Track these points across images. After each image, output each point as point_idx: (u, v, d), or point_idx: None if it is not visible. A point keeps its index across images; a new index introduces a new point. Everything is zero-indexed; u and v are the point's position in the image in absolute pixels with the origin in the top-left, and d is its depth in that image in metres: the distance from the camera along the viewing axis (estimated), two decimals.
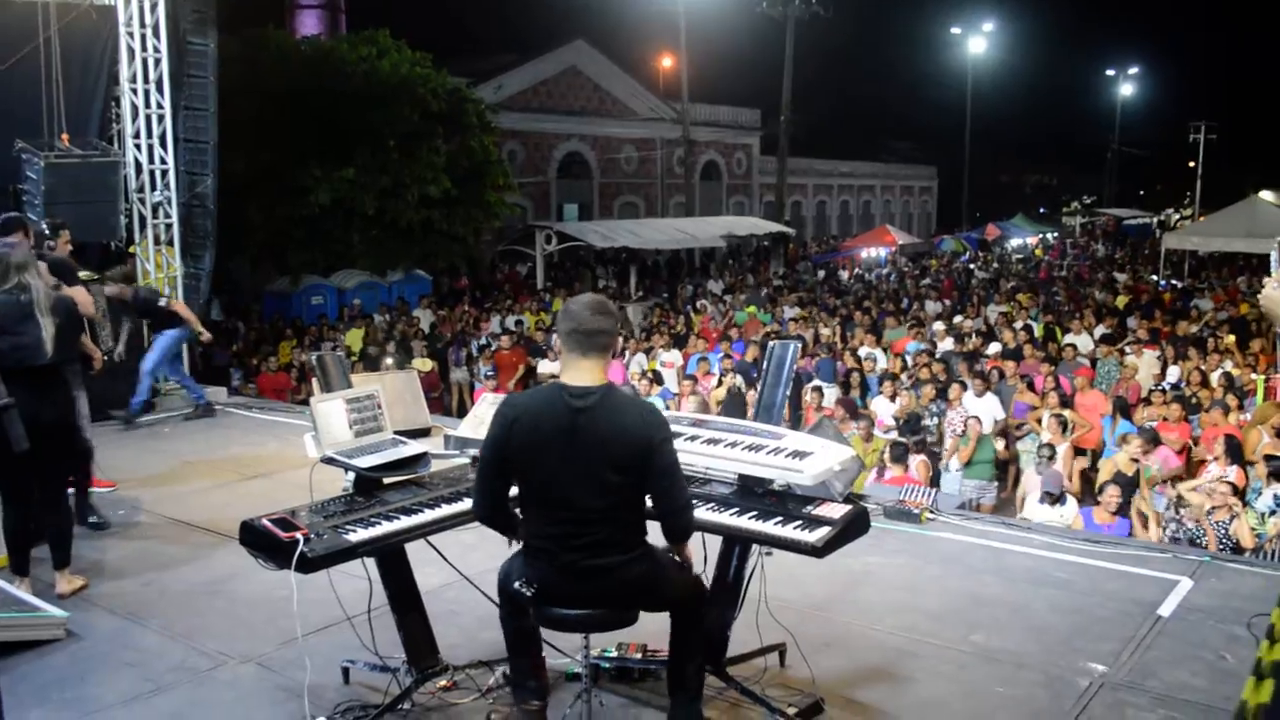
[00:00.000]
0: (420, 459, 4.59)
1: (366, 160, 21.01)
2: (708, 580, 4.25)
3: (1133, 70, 64.67)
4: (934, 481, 10.27)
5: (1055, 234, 50.02)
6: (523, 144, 35.30)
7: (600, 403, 3.45)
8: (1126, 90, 65.16)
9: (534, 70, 36.19)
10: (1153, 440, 9.84)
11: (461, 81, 24.71)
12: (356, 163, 20.78)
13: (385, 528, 4.08)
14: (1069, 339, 15.37)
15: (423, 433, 7.26)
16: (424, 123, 22.13)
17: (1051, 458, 9.86)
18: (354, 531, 3.99)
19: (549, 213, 35.80)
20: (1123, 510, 8.59)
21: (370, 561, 4.25)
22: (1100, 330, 15.92)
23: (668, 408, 11.38)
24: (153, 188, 11.80)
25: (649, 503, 3.58)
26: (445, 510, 4.28)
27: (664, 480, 3.48)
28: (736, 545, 4.39)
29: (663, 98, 40.93)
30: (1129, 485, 9.24)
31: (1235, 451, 9.36)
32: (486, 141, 24.01)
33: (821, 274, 32.32)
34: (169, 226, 11.94)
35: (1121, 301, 21.27)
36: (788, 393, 4.59)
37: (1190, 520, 8.10)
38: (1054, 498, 8.76)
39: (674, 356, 15.15)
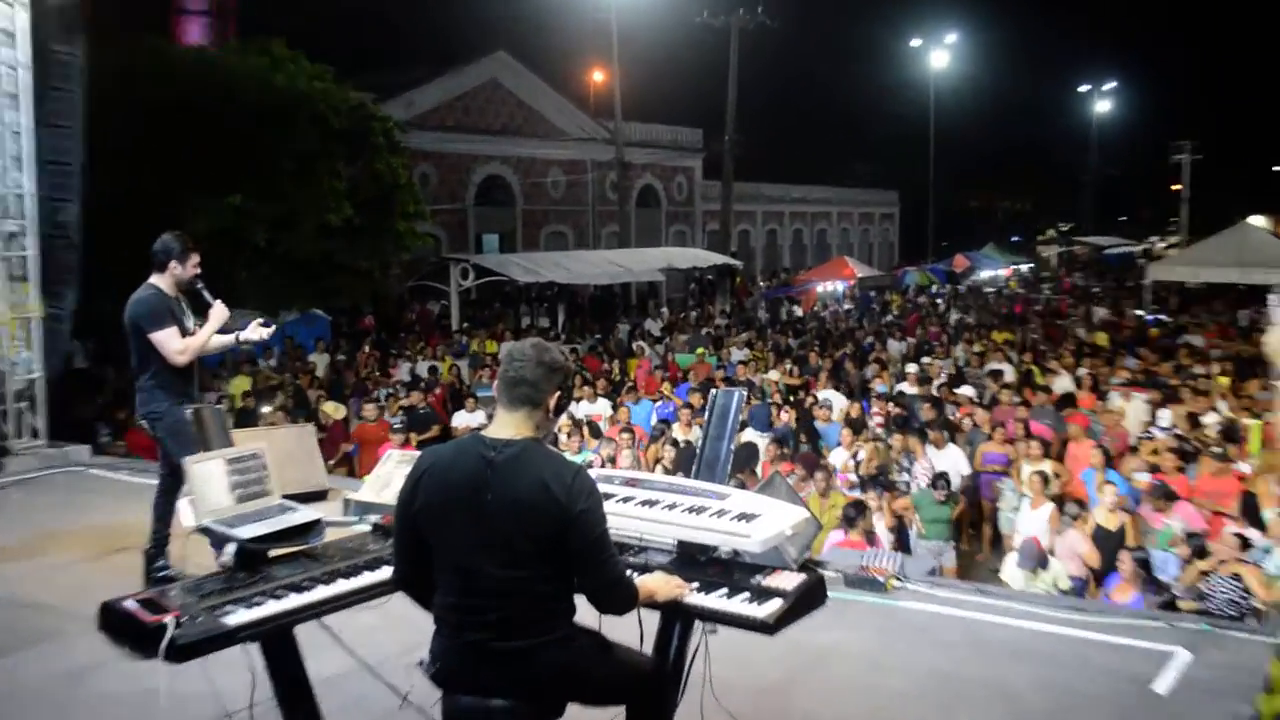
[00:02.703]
0: (313, 527, 4.51)
1: (257, 185, 20.81)
2: None
3: (1109, 85, 66.59)
4: (902, 544, 10.31)
5: (1030, 265, 50.97)
6: (436, 166, 35.27)
7: (516, 458, 3.39)
8: (1103, 107, 67.04)
9: (449, 84, 36.27)
10: (1166, 496, 9.89)
11: (367, 96, 24.64)
12: (245, 188, 20.57)
13: (271, 608, 3.98)
14: (1048, 381, 15.60)
15: (318, 496, 7.17)
16: (323, 143, 21.99)
17: (1077, 518, 9.90)
18: (234, 613, 3.88)
19: (466, 244, 35.74)
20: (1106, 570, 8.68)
21: (254, 648, 4.12)
22: (1082, 372, 16.17)
23: (601, 464, 11.34)
24: (5, 215, 11.54)
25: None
26: (342, 586, 4.18)
27: (588, 554, 3.42)
28: (676, 622, 4.31)
29: (594, 116, 41.26)
30: (1110, 543, 9.33)
31: (1252, 511, 9.46)
32: (395, 164, 23.90)
33: (768, 312, 32.59)
34: (24, 260, 11.68)
35: (1104, 339, 21.65)
36: (732, 446, 4.57)
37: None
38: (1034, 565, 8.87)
39: (601, 408, 15.12)
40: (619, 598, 3.57)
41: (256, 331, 7.49)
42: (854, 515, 9.54)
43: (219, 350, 7.51)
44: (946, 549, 10.85)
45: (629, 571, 4.13)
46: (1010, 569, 9.36)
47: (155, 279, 6.92)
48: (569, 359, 3.65)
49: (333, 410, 14.82)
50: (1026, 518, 10.39)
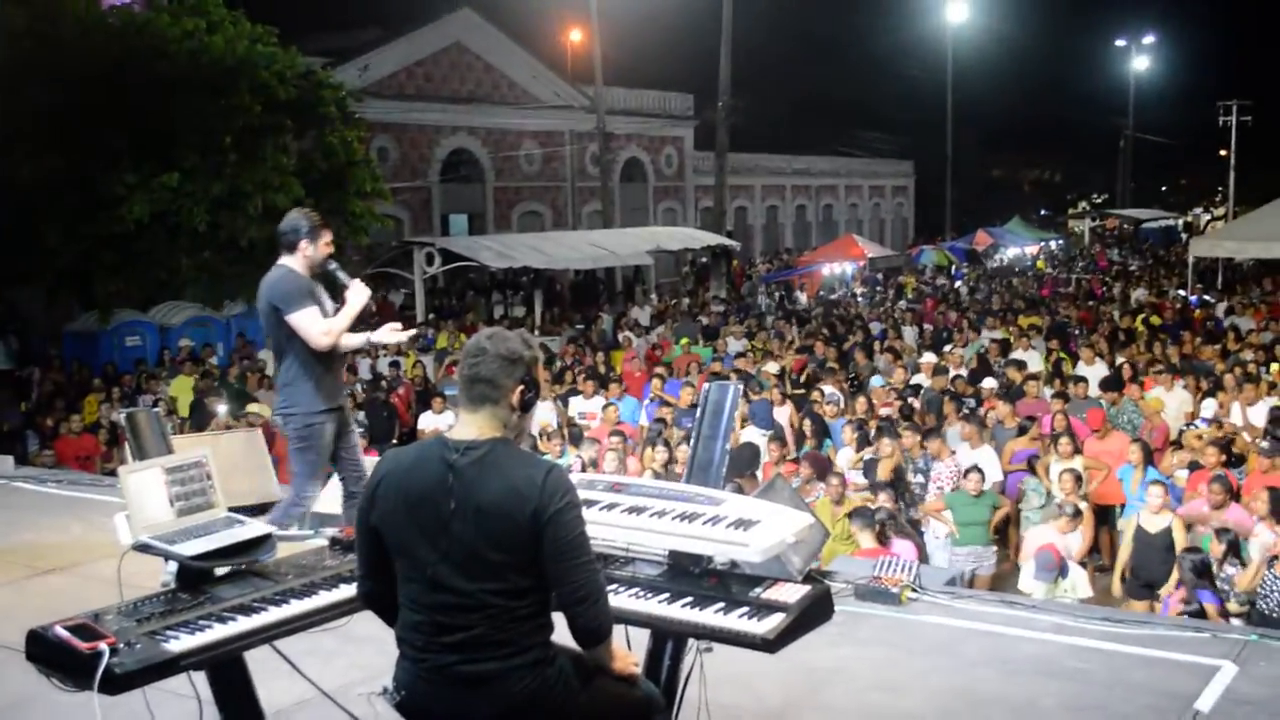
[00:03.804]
0: (263, 542, 4.53)
1: (196, 163, 20.78)
2: None
3: (1148, 39, 66.26)
4: (919, 551, 10.35)
5: (1060, 241, 51.07)
6: (396, 140, 35.23)
7: (483, 460, 3.43)
8: (1141, 64, 66.69)
9: (409, 47, 36.17)
10: (1228, 491, 9.86)
11: (317, 62, 24.65)
12: (183, 166, 20.54)
13: (217, 632, 3.99)
14: (1080, 371, 15.66)
15: (268, 507, 7.18)
16: (269, 114, 21.94)
17: (1076, 515, 9.99)
18: (176, 638, 3.90)
19: (430, 226, 35.70)
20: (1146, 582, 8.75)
21: (200, 676, 4.15)
22: (1121, 360, 16.20)
23: (583, 468, 11.37)
24: None
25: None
26: (296, 607, 4.21)
27: (563, 562, 3.42)
28: (668, 641, 4.37)
29: (572, 81, 41.16)
30: (1157, 551, 9.37)
31: None
32: (349, 137, 23.90)
33: (769, 298, 32.63)
34: None
35: (1141, 323, 21.72)
36: (728, 446, 4.61)
37: None
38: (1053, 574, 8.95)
39: (594, 406, 15.17)
40: (596, 615, 3.54)
41: (392, 334, 7.38)
42: (866, 520, 9.60)
43: (352, 349, 7.46)
44: (986, 554, 10.91)
45: (615, 587, 4.18)
46: (1027, 580, 9.42)
47: (285, 259, 6.81)
48: (533, 347, 3.66)
49: (261, 410, 14.71)
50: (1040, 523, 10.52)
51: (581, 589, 3.48)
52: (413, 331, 7.27)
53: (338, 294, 7.05)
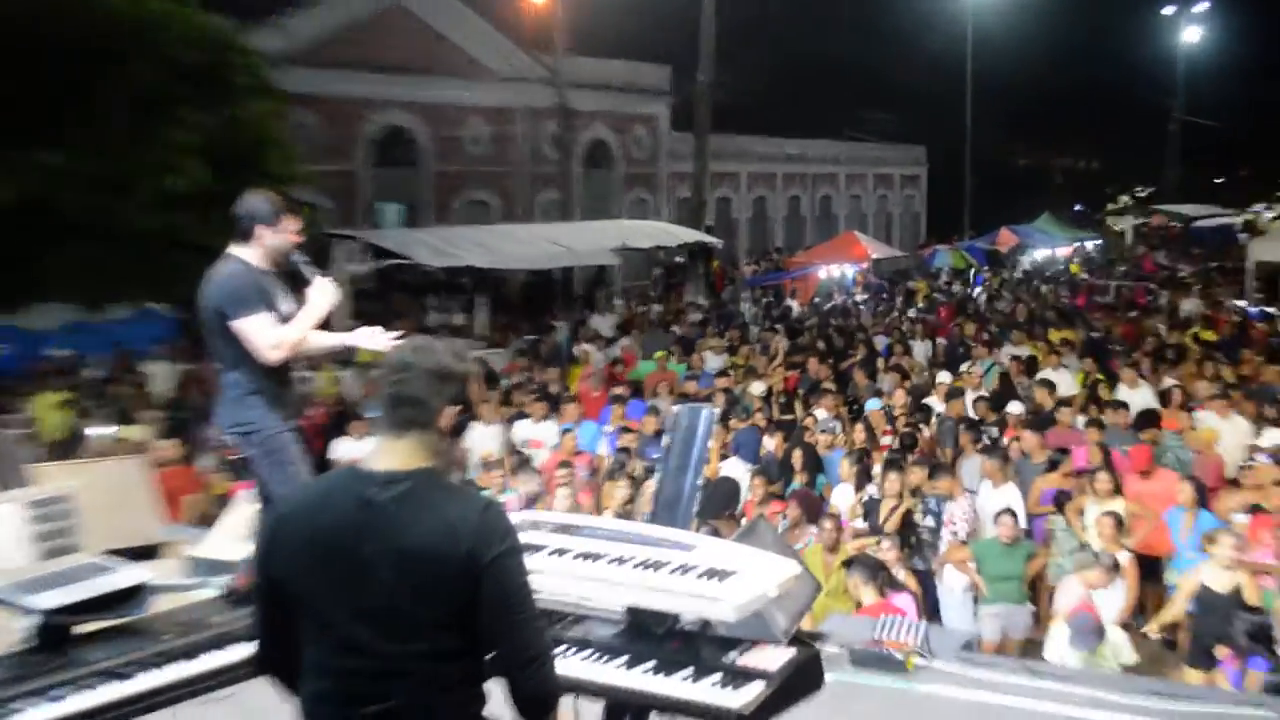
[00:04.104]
0: (137, 593, 4.47)
1: (79, 139, 20.67)
2: None
3: (1200, 5, 66.64)
4: (928, 608, 10.35)
5: (1098, 242, 51.36)
6: (319, 115, 35.09)
7: (406, 496, 3.40)
8: (1193, 35, 67.22)
9: (337, 8, 36.08)
10: None
11: (227, 24, 24.54)
12: (63, 143, 20.42)
13: (78, 702, 3.95)
14: (1120, 395, 15.68)
15: (149, 552, 7.09)
16: (168, 84, 21.88)
17: (1116, 568, 9.96)
18: (26, 710, 3.84)
19: (357, 216, 35.62)
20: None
21: None
22: (1169, 382, 16.21)
23: (526, 505, 11.34)
24: None
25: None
26: (176, 672, 4.20)
27: (502, 618, 3.41)
28: (625, 715, 4.34)
29: (528, 48, 41.14)
30: (1225, 614, 9.29)
31: None
32: (263, 111, 23.85)
33: (755, 305, 32.67)
34: None
35: (1192, 339, 21.81)
36: (700, 481, 4.57)
37: None
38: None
39: (544, 432, 15.11)
40: (542, 682, 3.53)
41: (371, 339, 6.90)
42: (868, 572, 9.55)
43: (324, 351, 7.31)
44: (1019, 614, 10.94)
45: (564, 649, 4.13)
46: (1059, 646, 9.34)
47: (239, 250, 6.62)
48: (468, 361, 3.64)
49: (135, 434, 14.60)
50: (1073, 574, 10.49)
51: (525, 650, 3.46)
52: (395, 335, 6.93)
53: (296, 286, 6.87)
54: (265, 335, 6.38)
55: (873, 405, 15.68)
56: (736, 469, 12.95)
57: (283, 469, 6.38)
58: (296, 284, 6.83)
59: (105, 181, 20.88)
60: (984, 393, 16.52)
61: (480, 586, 3.35)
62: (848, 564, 9.78)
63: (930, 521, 11.77)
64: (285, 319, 6.55)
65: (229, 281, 6.47)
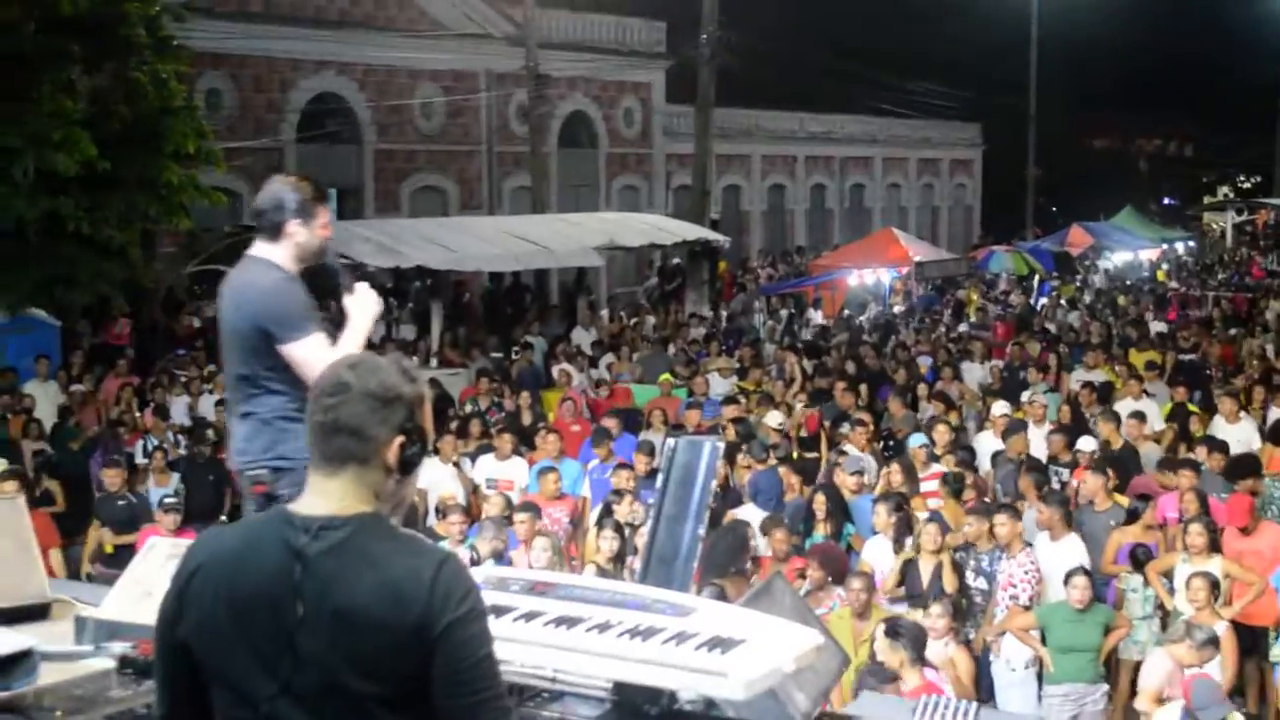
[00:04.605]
0: (19, 663, 4.48)
1: None
2: None
3: None
4: (980, 686, 10.37)
5: (1191, 243, 51.39)
6: (235, 79, 35.12)
7: (342, 546, 3.38)
8: None
9: None
10: None
11: None
12: None
13: None
14: (1218, 430, 15.69)
15: (33, 612, 7.11)
16: (48, 39, 21.89)
17: (1212, 642, 9.96)
18: None
19: None
20: None
21: None
22: (1276, 413, 16.24)
23: (491, 559, 11.35)
24: None
25: None
26: None
27: (461, 696, 3.38)
28: None
29: (493, 0, 41.08)
30: None
31: None
32: (165, 73, 23.82)
33: (771, 317, 32.69)
34: None
35: None
36: (702, 531, 4.60)
37: None
38: None
39: (515, 470, 15.14)
40: None
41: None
42: (910, 644, 9.49)
43: None
44: (1092, 694, 10.95)
45: None
46: None
47: (268, 251, 6.56)
48: (418, 381, 3.59)
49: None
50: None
51: None
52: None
53: (323, 294, 6.88)
54: (322, 360, 6.30)
55: (914, 441, 15.66)
56: (752, 515, 12.98)
57: None
58: (315, 283, 6.80)
59: None
60: (1051, 426, 16.47)
61: (433, 659, 3.31)
62: (890, 632, 9.65)
63: (982, 583, 11.78)
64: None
65: (278, 300, 6.42)
